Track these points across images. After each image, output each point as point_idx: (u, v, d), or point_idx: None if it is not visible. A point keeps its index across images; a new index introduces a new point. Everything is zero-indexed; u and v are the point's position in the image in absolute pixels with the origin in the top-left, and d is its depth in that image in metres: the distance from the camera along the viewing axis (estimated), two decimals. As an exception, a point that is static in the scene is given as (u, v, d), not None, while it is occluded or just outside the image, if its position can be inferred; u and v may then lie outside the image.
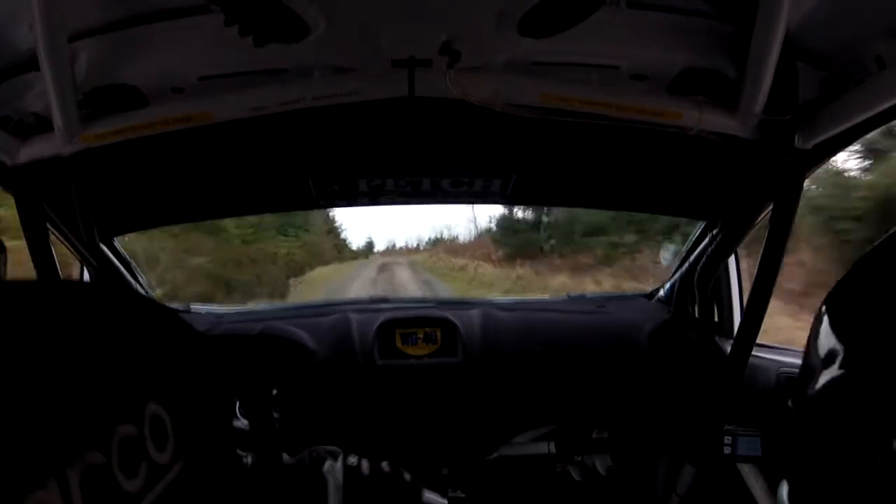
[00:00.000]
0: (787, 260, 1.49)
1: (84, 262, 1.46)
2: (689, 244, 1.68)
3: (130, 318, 0.33)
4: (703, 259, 1.52)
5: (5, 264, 1.11)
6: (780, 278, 1.22)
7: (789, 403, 0.81)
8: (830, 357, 0.70)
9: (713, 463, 1.45)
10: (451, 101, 1.05)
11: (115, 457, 0.27)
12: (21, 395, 0.24)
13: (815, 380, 0.72)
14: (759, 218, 1.32)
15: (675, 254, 1.82)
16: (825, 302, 0.74)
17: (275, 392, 1.39)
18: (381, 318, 1.55)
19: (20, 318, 0.26)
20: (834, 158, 1.22)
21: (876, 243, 0.70)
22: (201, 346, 0.37)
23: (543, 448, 1.62)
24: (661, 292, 1.77)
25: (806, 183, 1.19)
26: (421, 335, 1.53)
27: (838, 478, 0.73)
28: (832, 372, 0.69)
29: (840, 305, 0.72)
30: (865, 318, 0.67)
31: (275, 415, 1.28)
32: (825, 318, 0.72)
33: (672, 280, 1.71)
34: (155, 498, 0.28)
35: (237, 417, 1.06)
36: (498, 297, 1.85)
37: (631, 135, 1.21)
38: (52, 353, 0.27)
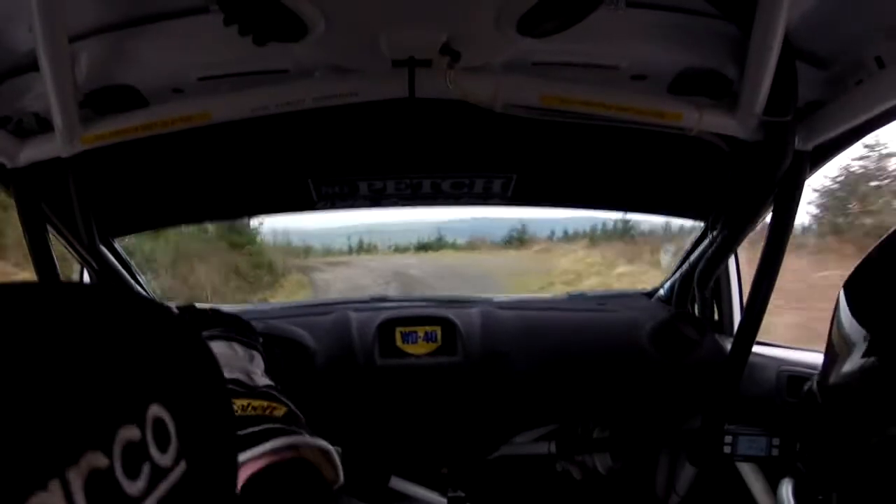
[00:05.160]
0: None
1: (84, 263, 1.46)
2: (689, 244, 1.68)
3: (131, 320, 0.33)
4: (704, 259, 1.52)
5: None
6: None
7: (813, 388, 0.81)
8: (853, 342, 0.70)
9: (713, 462, 1.45)
10: (452, 102, 1.05)
11: (117, 459, 0.27)
12: (21, 396, 0.24)
13: (841, 365, 0.72)
14: (760, 219, 1.32)
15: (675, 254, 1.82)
16: (843, 289, 0.73)
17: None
18: (381, 316, 1.55)
19: (20, 320, 0.26)
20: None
21: (889, 232, 0.71)
22: (202, 347, 0.37)
23: (544, 447, 1.62)
24: (662, 291, 1.77)
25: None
26: (421, 334, 1.53)
27: (855, 463, 0.72)
28: (856, 357, 0.69)
29: (858, 292, 0.72)
30: (885, 302, 0.67)
31: None
32: (845, 306, 0.72)
33: (672, 279, 1.71)
34: (157, 500, 0.28)
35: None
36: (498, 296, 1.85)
37: (631, 136, 1.21)
38: (52, 354, 0.27)
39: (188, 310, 1.03)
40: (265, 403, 0.80)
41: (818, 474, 0.85)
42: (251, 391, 0.84)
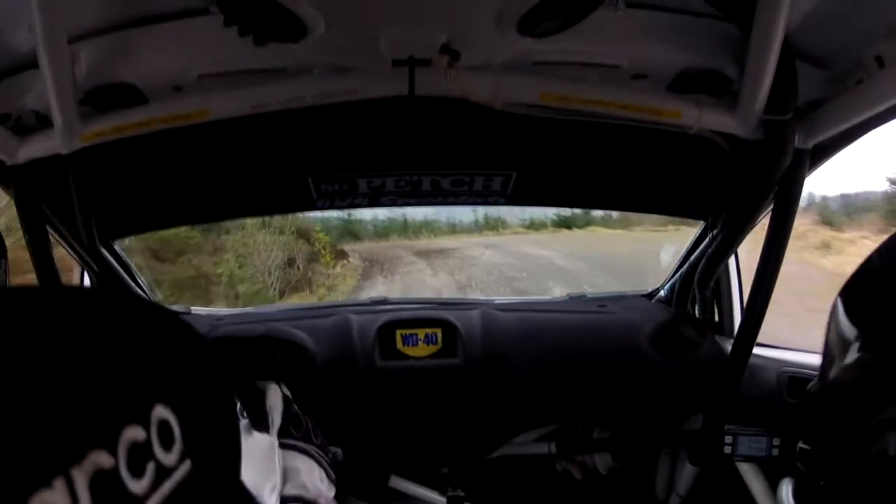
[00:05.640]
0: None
1: (84, 265, 1.46)
2: (689, 244, 1.68)
3: (135, 322, 0.33)
4: (704, 259, 1.52)
5: (6, 269, 1.11)
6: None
7: (811, 390, 0.81)
8: (847, 344, 0.71)
9: (714, 462, 1.45)
10: (451, 100, 1.05)
11: (122, 458, 0.27)
12: (27, 396, 0.24)
13: (836, 365, 0.73)
14: (759, 218, 1.32)
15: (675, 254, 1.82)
16: (840, 293, 0.74)
17: None
18: (382, 319, 1.55)
19: (26, 322, 0.26)
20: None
21: (887, 237, 0.71)
22: (205, 348, 0.37)
23: (544, 447, 1.62)
24: (662, 292, 1.77)
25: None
26: (421, 336, 1.53)
27: (851, 465, 0.73)
28: (850, 357, 0.70)
29: (855, 295, 0.72)
30: (881, 305, 0.68)
31: None
32: (841, 308, 0.73)
33: (672, 280, 1.72)
34: (161, 499, 0.29)
35: (240, 418, 1.06)
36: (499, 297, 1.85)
37: (631, 134, 1.21)
38: (58, 356, 0.27)
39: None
40: None
41: (817, 472, 0.86)
42: None
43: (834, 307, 0.76)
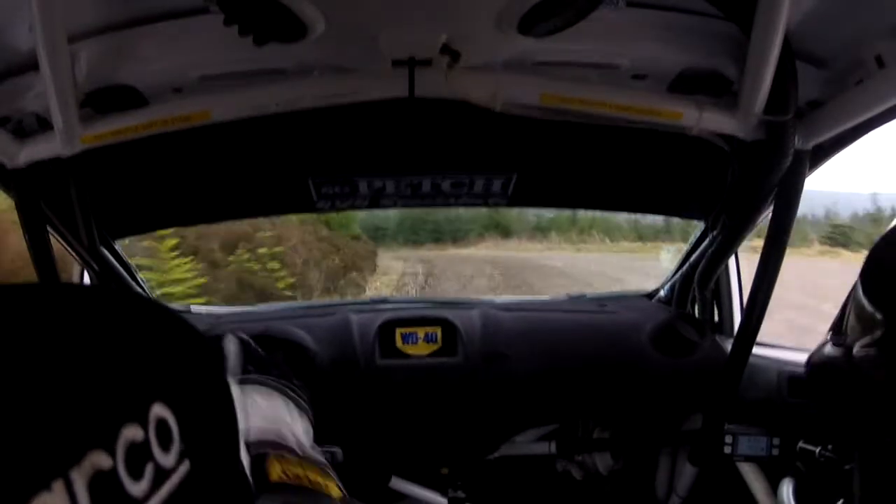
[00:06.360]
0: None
1: (84, 264, 1.46)
2: (689, 244, 1.68)
3: (132, 320, 0.33)
4: (704, 259, 1.52)
5: None
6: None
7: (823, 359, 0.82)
8: (869, 323, 0.72)
9: (714, 462, 1.45)
10: (452, 101, 1.05)
11: (120, 459, 0.27)
12: (24, 396, 0.24)
13: (857, 344, 0.75)
14: (760, 218, 1.33)
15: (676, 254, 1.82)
16: (860, 274, 0.76)
17: None
18: (382, 318, 1.55)
19: (22, 320, 0.26)
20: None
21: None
22: (204, 346, 0.37)
23: (544, 448, 1.62)
24: (662, 292, 1.77)
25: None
26: (421, 335, 1.53)
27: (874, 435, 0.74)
28: (874, 335, 0.71)
29: (872, 275, 0.74)
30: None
31: None
32: (860, 288, 0.74)
33: (672, 280, 1.71)
34: (160, 501, 0.28)
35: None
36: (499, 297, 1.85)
37: (631, 135, 1.21)
38: (55, 354, 0.27)
39: (244, 343, 1.03)
40: (322, 481, 0.82)
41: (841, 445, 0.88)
42: (306, 459, 0.86)
43: (854, 290, 0.77)
